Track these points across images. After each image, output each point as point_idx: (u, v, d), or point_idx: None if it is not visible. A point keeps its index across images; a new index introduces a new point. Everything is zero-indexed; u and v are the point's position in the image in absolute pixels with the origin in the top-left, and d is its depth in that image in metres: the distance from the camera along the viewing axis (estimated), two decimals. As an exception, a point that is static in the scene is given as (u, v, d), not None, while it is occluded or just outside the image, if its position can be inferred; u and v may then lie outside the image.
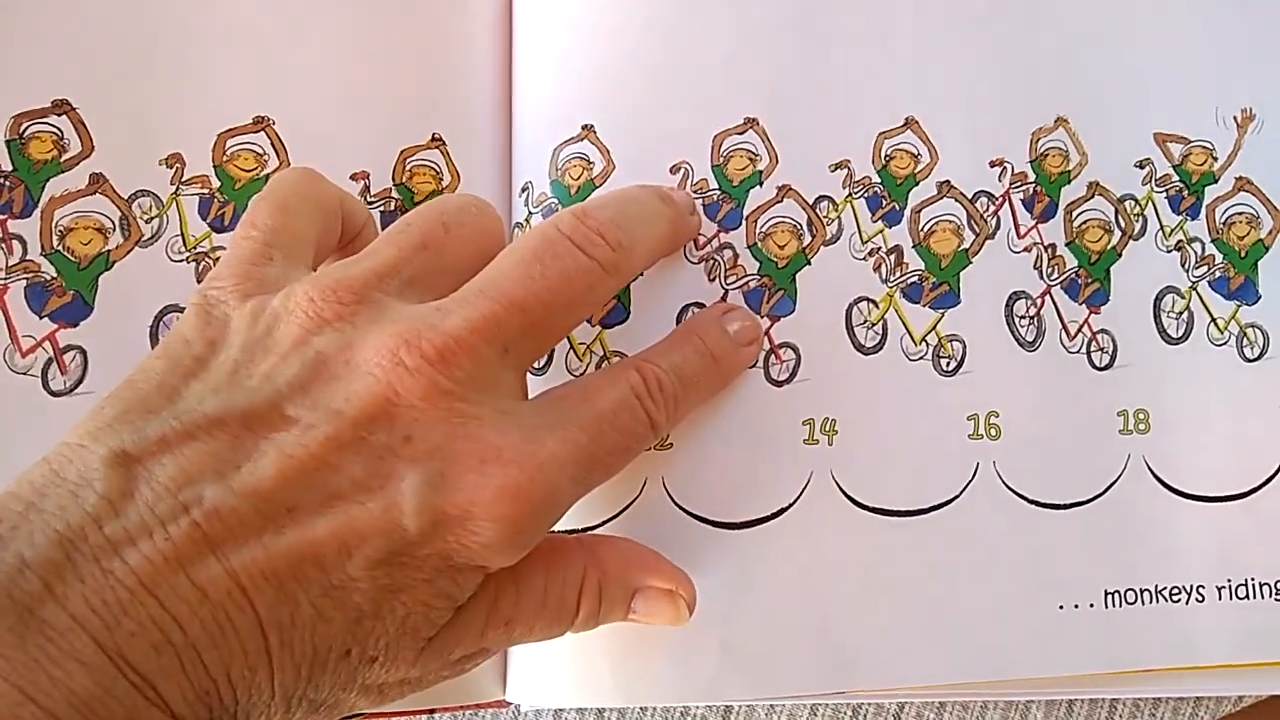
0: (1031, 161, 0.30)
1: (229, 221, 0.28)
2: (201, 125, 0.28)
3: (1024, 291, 0.29)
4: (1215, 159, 0.31)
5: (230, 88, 0.28)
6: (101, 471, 0.19)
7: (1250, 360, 0.30)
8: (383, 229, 0.28)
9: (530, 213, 0.29)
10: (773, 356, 0.28)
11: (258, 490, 0.19)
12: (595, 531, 0.27)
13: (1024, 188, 0.30)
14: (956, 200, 0.29)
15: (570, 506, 0.22)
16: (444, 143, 0.29)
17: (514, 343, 0.22)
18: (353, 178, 0.29)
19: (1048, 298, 0.29)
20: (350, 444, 0.20)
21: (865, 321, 0.29)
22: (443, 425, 0.21)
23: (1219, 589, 0.29)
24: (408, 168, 0.29)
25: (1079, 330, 0.29)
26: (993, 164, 0.30)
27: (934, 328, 0.29)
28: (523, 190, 0.29)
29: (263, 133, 0.28)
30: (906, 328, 0.29)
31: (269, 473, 0.19)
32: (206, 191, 0.28)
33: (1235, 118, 0.31)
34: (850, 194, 0.29)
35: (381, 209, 0.29)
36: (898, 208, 0.29)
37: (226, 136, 0.28)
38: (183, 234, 0.28)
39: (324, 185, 0.25)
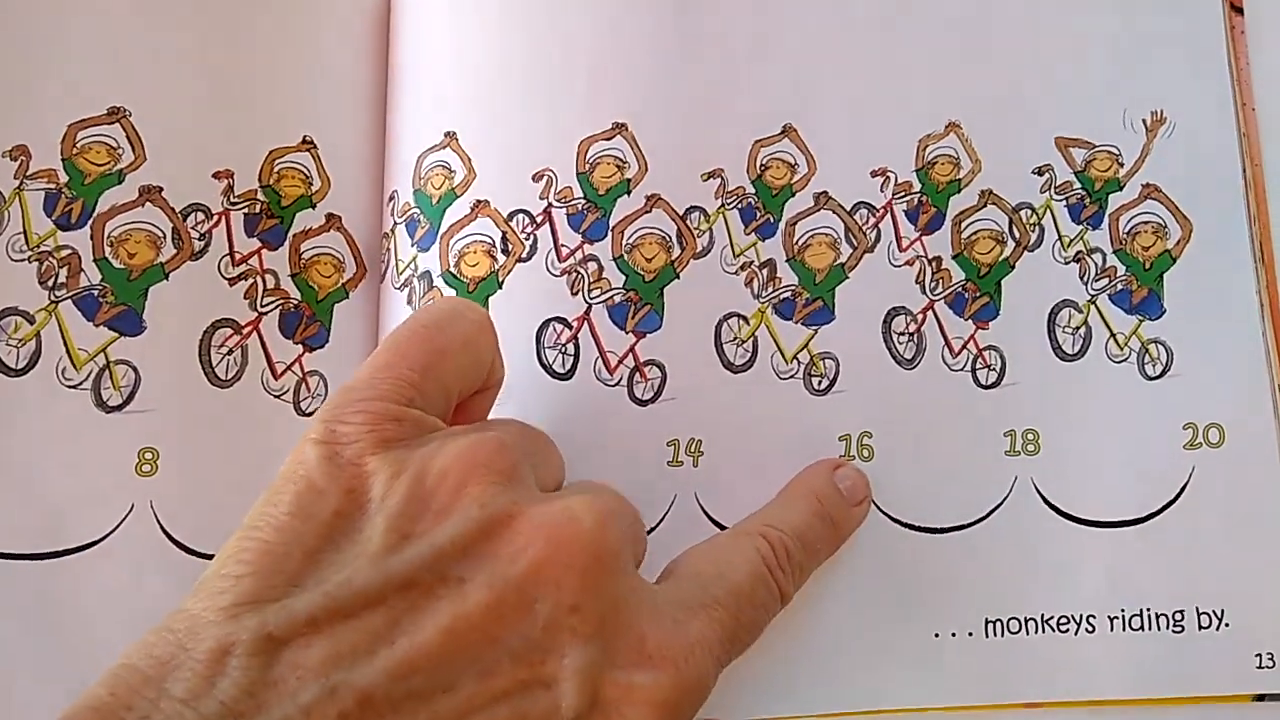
0: (917, 170, 0.29)
1: (76, 219, 0.27)
2: (50, 115, 0.27)
3: (904, 307, 0.29)
4: (1121, 164, 0.30)
5: (83, 76, 0.27)
6: (243, 659, 0.18)
7: (1152, 378, 0.29)
8: (245, 231, 0.28)
9: (396, 222, 0.29)
10: (638, 374, 0.28)
11: (415, 669, 0.18)
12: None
13: (908, 198, 0.29)
14: (834, 212, 0.29)
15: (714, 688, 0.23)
16: (315, 146, 0.29)
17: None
18: (215, 176, 0.28)
19: (930, 313, 0.29)
20: (515, 609, 0.20)
21: (735, 338, 0.28)
22: (608, 595, 0.20)
23: (1111, 619, 0.28)
24: (275, 169, 0.29)
25: (963, 347, 0.29)
26: (874, 173, 0.29)
27: (806, 345, 0.28)
28: (390, 199, 0.29)
29: (118, 124, 0.28)
30: (778, 345, 0.28)
31: (429, 648, 0.19)
32: (53, 186, 0.27)
33: (1144, 121, 0.30)
34: (723, 205, 0.29)
35: (245, 210, 0.28)
36: (772, 220, 0.29)
37: (77, 128, 0.27)
38: (25, 231, 0.27)
39: (487, 337, 0.24)
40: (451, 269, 0.28)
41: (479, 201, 0.28)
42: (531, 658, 0.19)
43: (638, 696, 0.20)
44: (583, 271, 0.28)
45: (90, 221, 0.27)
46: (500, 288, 0.28)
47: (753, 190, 0.29)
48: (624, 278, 0.28)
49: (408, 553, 0.19)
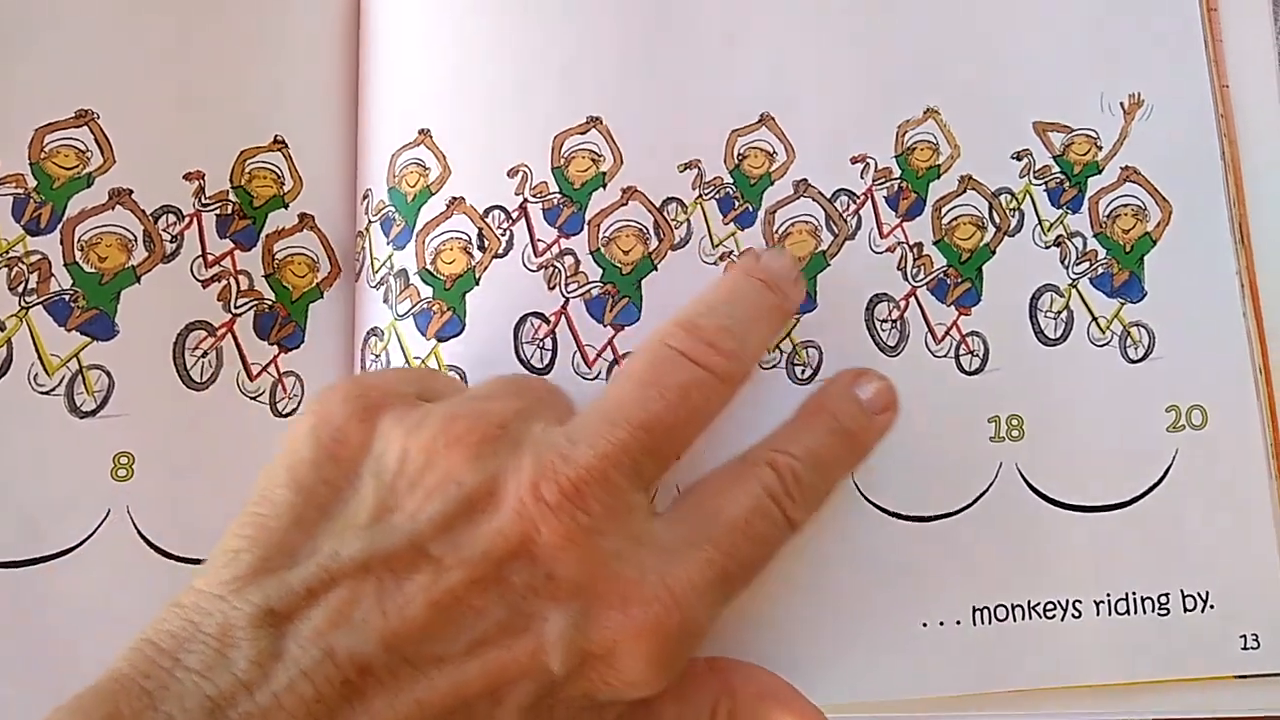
0: (897, 156, 0.30)
1: (45, 224, 0.27)
2: (17, 119, 0.27)
3: (886, 294, 0.29)
4: (1099, 148, 0.30)
5: (50, 79, 0.28)
6: (249, 632, 0.19)
7: (1134, 361, 0.29)
8: (218, 232, 0.28)
9: (370, 221, 0.29)
10: (617, 368, 0.28)
11: (405, 637, 0.20)
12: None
13: (888, 184, 0.29)
14: (814, 200, 0.29)
15: (712, 626, 0.23)
16: (286, 145, 0.29)
17: (641, 465, 0.23)
18: (186, 177, 0.28)
19: (912, 299, 0.29)
20: (493, 585, 0.21)
21: (715, 329, 0.28)
22: (583, 563, 0.21)
23: (1097, 604, 0.28)
24: (247, 170, 0.29)
25: (947, 333, 0.29)
26: (854, 160, 0.30)
27: (789, 334, 0.29)
28: (364, 198, 0.30)
29: (86, 127, 0.28)
30: (759, 335, 0.29)
31: (416, 618, 0.20)
32: (21, 191, 0.27)
33: (1122, 104, 0.30)
34: (700, 195, 0.29)
35: (217, 211, 0.29)
36: (751, 209, 0.29)
37: (45, 131, 0.27)
38: (-8, 238, 0.27)
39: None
40: (428, 266, 0.28)
41: (454, 198, 0.29)
42: (515, 625, 0.21)
43: (628, 635, 0.21)
44: (559, 266, 0.28)
45: (60, 226, 0.27)
46: (477, 284, 0.28)
47: (731, 180, 0.29)
48: (601, 271, 0.29)
49: (390, 526, 0.21)
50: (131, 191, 0.27)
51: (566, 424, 0.23)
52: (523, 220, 0.29)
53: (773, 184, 0.29)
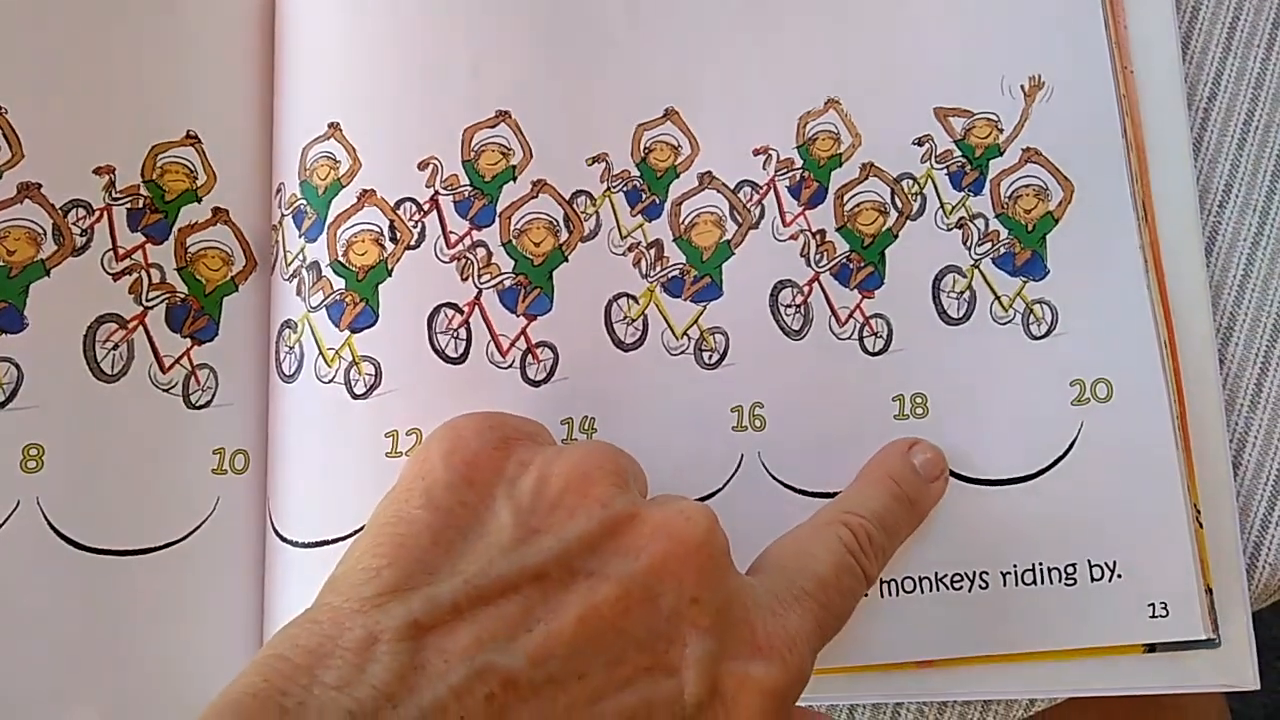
0: (799, 147, 0.31)
1: None
2: None
3: (790, 280, 0.30)
4: (1000, 130, 0.31)
5: None
6: (391, 645, 0.19)
7: (1037, 338, 0.30)
8: (129, 226, 0.29)
9: (283, 214, 0.30)
10: (530, 356, 0.29)
11: (551, 655, 0.20)
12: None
13: (790, 174, 0.30)
14: (718, 191, 0.30)
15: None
16: (199, 140, 0.30)
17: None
18: (96, 172, 0.29)
19: (816, 285, 0.30)
20: (640, 602, 0.21)
21: (625, 318, 0.29)
22: (723, 589, 0.22)
23: (1004, 574, 0.29)
24: (158, 164, 0.30)
25: (849, 316, 0.30)
26: (756, 152, 0.31)
27: (695, 321, 0.29)
28: (277, 191, 0.30)
29: None
30: (668, 322, 0.29)
31: (563, 636, 0.20)
32: None
33: (1023, 86, 0.31)
34: (609, 188, 0.30)
35: (128, 206, 0.29)
36: (658, 201, 0.30)
37: None
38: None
39: None
40: (340, 258, 0.29)
41: (365, 191, 0.29)
42: (656, 646, 0.21)
43: (752, 686, 0.22)
44: (472, 257, 0.29)
45: (-33, 221, 0.27)
46: (390, 275, 0.29)
47: (637, 173, 0.30)
48: (513, 262, 0.29)
49: (539, 545, 0.21)
50: (40, 186, 0.28)
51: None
52: (434, 212, 0.29)
53: (678, 176, 0.30)
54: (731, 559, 0.23)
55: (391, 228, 0.29)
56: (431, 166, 0.29)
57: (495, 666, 0.19)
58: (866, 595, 0.27)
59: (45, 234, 0.28)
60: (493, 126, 0.30)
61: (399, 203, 0.29)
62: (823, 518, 0.27)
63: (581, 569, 0.21)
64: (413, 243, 0.29)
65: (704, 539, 0.22)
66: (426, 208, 0.29)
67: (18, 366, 0.27)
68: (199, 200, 0.30)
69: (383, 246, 0.29)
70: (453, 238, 0.29)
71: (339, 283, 0.29)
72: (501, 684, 0.19)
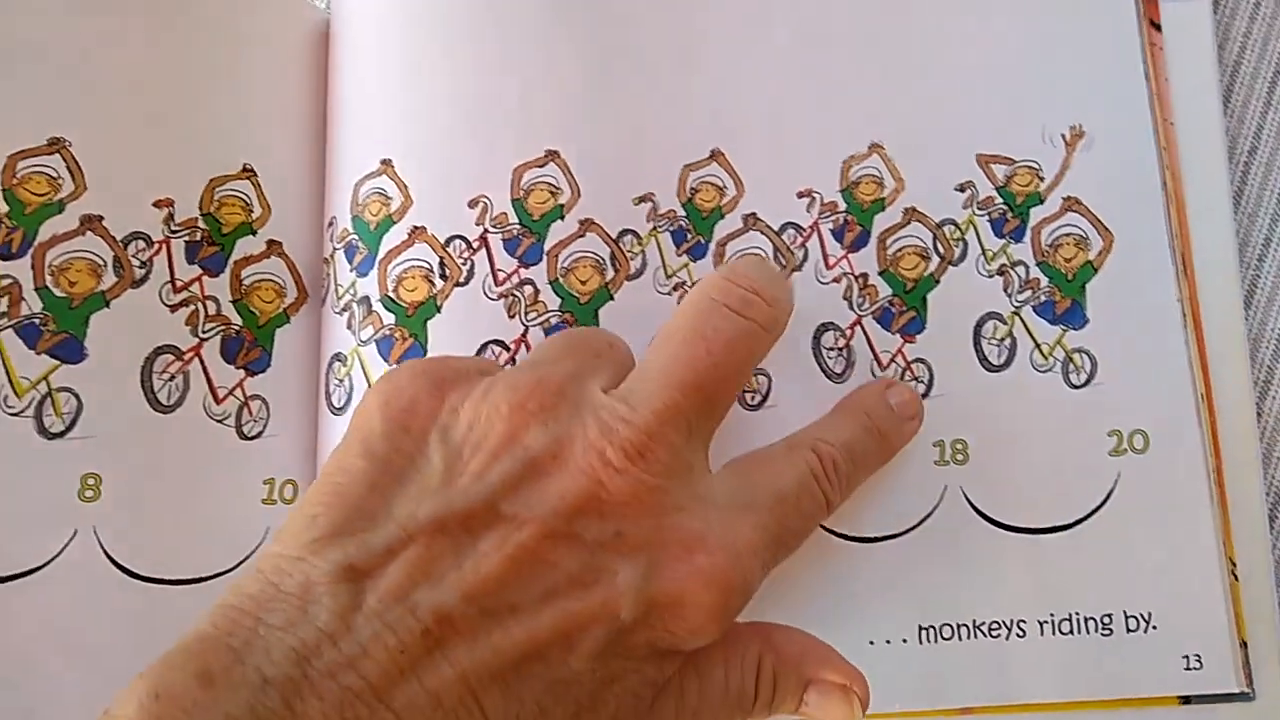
0: (842, 190, 0.31)
1: (16, 249, 0.28)
2: None
3: (832, 323, 0.30)
4: (1041, 179, 0.32)
5: (22, 107, 0.28)
6: (330, 588, 0.20)
7: (1077, 387, 0.30)
8: (186, 258, 0.29)
9: (335, 248, 0.30)
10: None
11: (482, 589, 0.21)
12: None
13: (834, 217, 0.31)
14: (762, 233, 0.31)
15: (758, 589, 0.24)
16: (255, 173, 0.31)
17: (696, 423, 0.24)
18: (156, 204, 0.29)
19: (858, 328, 0.30)
20: (565, 540, 0.22)
21: (668, 355, 0.30)
22: (649, 518, 0.23)
23: (1041, 623, 0.29)
24: (216, 197, 0.30)
25: (891, 360, 0.30)
26: (800, 194, 0.31)
27: (738, 360, 0.30)
28: (329, 225, 0.31)
29: (58, 155, 0.29)
30: (710, 361, 0.30)
31: (492, 572, 0.21)
32: None
33: (1064, 136, 0.32)
34: (655, 227, 0.31)
35: (186, 238, 0.30)
36: (703, 241, 0.31)
37: (17, 159, 0.28)
38: (-36, 264, 0.28)
39: None
40: (390, 293, 0.29)
41: (416, 227, 0.30)
42: (585, 577, 0.22)
43: (695, 581, 0.22)
44: (519, 295, 0.30)
45: (31, 251, 0.28)
46: (439, 311, 0.30)
47: (683, 213, 0.31)
48: (560, 300, 0.30)
49: (462, 488, 0.22)
50: (102, 218, 0.29)
51: (622, 385, 0.25)
52: (483, 250, 0.30)
53: (723, 217, 0.31)
54: (678, 465, 0.23)
55: (441, 264, 0.30)
56: (481, 204, 0.30)
57: (429, 603, 0.20)
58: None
59: (106, 266, 0.28)
60: (542, 165, 0.30)
61: (449, 240, 0.30)
62: (794, 440, 0.27)
63: (506, 511, 0.22)
64: (462, 279, 0.30)
65: (627, 476, 0.22)
66: (475, 245, 0.30)
67: (77, 396, 0.28)
68: (254, 233, 0.30)
69: (432, 283, 0.30)
70: (500, 275, 0.30)
71: (389, 318, 0.29)
72: (436, 619, 0.20)
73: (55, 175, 0.29)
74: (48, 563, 0.27)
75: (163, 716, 0.18)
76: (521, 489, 0.22)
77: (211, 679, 0.19)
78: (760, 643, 0.25)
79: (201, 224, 0.30)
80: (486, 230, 0.30)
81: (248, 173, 0.31)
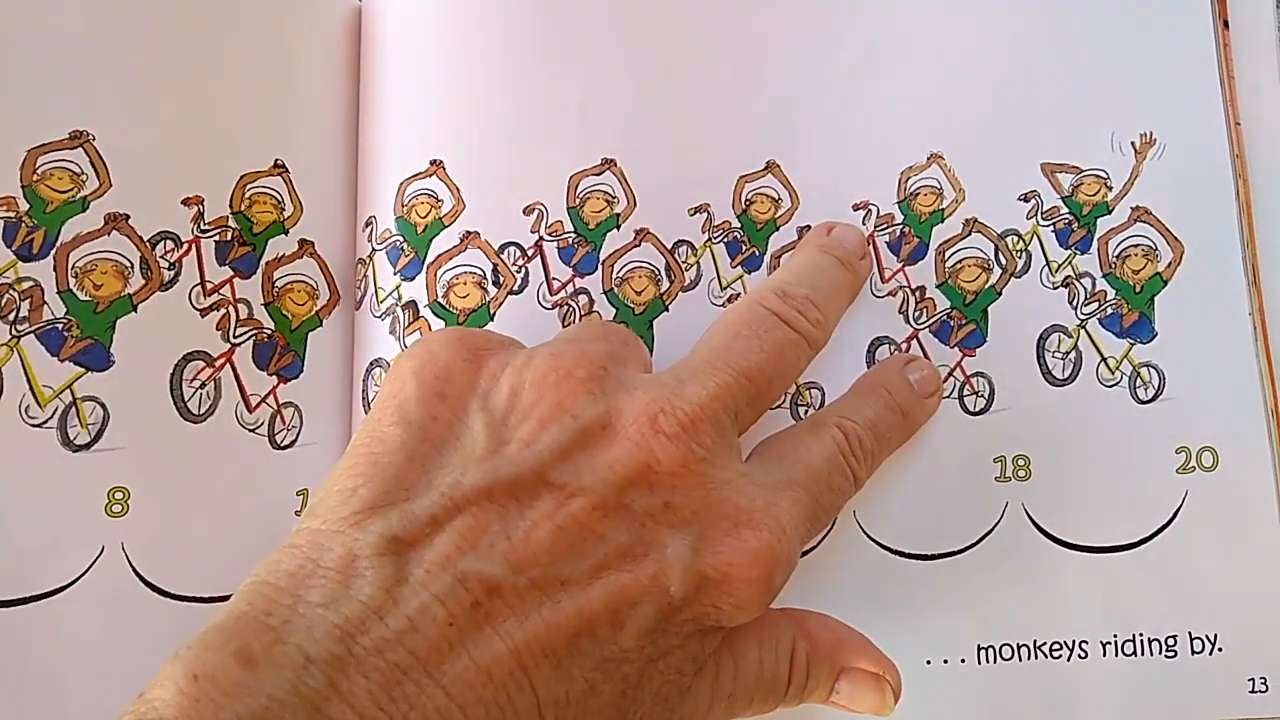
0: (899, 202, 0.30)
1: (37, 250, 0.27)
2: (8, 140, 0.26)
3: (887, 337, 0.30)
4: (1109, 188, 0.31)
5: (43, 99, 0.27)
6: (374, 561, 0.19)
7: (1144, 402, 0.30)
8: (217, 259, 0.28)
9: (374, 249, 0.29)
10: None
11: (532, 561, 0.20)
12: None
13: (889, 230, 0.30)
14: (817, 244, 0.30)
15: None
16: (287, 170, 0.29)
17: (741, 410, 0.24)
18: (184, 202, 0.28)
19: (914, 342, 0.30)
20: (615, 511, 0.22)
21: (725, 366, 0.29)
22: (698, 490, 0.22)
23: (1104, 644, 0.29)
24: (247, 195, 0.29)
25: (950, 374, 0.29)
26: (856, 207, 0.30)
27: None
28: (366, 225, 0.29)
29: (81, 149, 0.27)
30: (768, 373, 0.29)
31: (542, 542, 0.21)
32: (13, 215, 0.26)
33: (1134, 143, 0.31)
34: (709, 239, 0.30)
35: (216, 238, 0.28)
36: (758, 253, 0.30)
37: (38, 153, 0.27)
38: (-18, 261, 0.27)
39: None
40: (440, 299, 0.28)
41: (469, 233, 0.29)
42: (635, 550, 0.21)
43: (742, 557, 0.22)
44: (574, 304, 0.29)
45: (53, 251, 0.26)
46: (492, 319, 0.28)
47: (738, 224, 0.30)
48: (615, 310, 0.29)
49: (511, 456, 0.21)
50: (128, 216, 0.27)
51: (668, 368, 0.24)
52: (538, 258, 0.29)
53: (778, 229, 0.30)
54: (721, 445, 0.23)
55: (495, 271, 0.28)
56: (537, 212, 0.29)
57: (478, 573, 0.20)
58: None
59: (133, 267, 0.27)
60: (598, 174, 0.29)
61: (503, 246, 0.29)
62: (818, 418, 0.27)
63: (555, 480, 0.21)
64: (515, 287, 0.29)
65: (675, 445, 0.22)
66: (531, 253, 0.29)
67: (104, 406, 0.26)
68: (286, 232, 0.29)
69: (485, 290, 0.28)
70: (555, 284, 0.29)
71: (438, 324, 0.28)
72: (485, 590, 0.20)
73: (78, 171, 0.27)
74: (74, 581, 0.26)
75: (201, 699, 0.17)
76: (571, 457, 0.22)
77: (252, 659, 0.18)
78: (795, 628, 0.25)
79: (232, 223, 0.28)
80: (542, 238, 0.29)
81: (279, 169, 0.29)
